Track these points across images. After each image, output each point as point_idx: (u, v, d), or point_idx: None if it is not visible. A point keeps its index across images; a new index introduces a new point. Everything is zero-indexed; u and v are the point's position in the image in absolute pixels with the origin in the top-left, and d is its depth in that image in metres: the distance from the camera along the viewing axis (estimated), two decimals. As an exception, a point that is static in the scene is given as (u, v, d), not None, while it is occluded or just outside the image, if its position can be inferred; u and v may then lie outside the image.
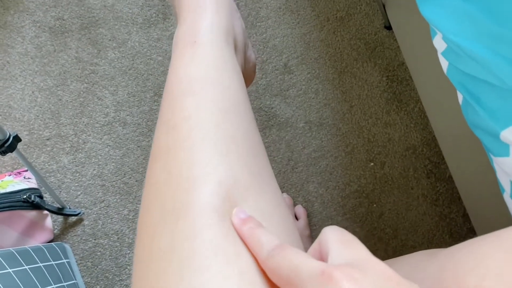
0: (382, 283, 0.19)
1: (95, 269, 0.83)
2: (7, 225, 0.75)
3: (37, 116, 0.89)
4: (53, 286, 0.70)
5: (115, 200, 0.86)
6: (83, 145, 0.88)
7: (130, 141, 0.88)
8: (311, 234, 0.83)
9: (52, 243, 0.79)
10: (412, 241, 0.84)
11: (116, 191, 0.86)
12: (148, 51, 0.92)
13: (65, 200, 0.85)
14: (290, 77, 0.91)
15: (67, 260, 0.78)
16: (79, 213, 0.84)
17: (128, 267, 0.83)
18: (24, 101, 0.89)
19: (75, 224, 0.85)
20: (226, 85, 0.31)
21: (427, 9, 0.37)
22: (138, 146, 0.88)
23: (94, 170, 0.87)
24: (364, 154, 0.87)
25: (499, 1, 0.29)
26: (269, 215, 0.27)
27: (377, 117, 0.88)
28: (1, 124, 0.79)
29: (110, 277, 0.83)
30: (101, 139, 0.88)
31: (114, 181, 0.86)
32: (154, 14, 0.94)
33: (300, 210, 0.84)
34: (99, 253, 0.83)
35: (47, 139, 0.88)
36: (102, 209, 0.85)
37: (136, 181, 0.87)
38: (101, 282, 0.82)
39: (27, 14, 0.94)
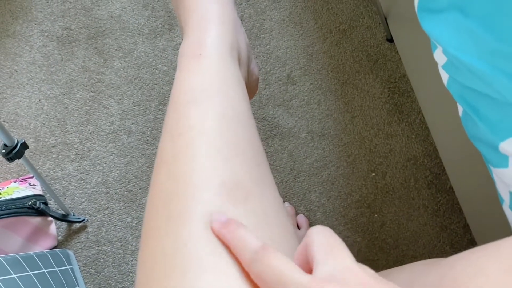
0: None
1: (98, 276, 0.83)
2: (12, 231, 0.75)
3: (43, 123, 0.90)
4: (57, 292, 0.70)
5: (119, 207, 0.86)
6: (88, 153, 0.89)
7: (134, 149, 0.89)
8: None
9: (56, 249, 0.79)
10: (413, 251, 0.84)
11: (120, 198, 0.87)
12: (154, 61, 0.94)
13: (70, 207, 0.86)
14: (293, 88, 0.92)
15: (71, 266, 0.79)
16: (83, 220, 0.84)
17: (131, 274, 0.84)
18: (31, 109, 0.91)
19: (79, 231, 0.85)
20: (230, 96, 0.32)
21: (428, 24, 0.38)
22: (143, 155, 0.89)
23: (98, 177, 0.88)
24: (365, 165, 0.88)
25: (499, 18, 0.30)
26: (268, 221, 0.28)
27: (378, 128, 0.89)
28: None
29: (113, 284, 0.83)
30: (106, 147, 0.89)
31: (118, 188, 0.87)
32: (160, 25, 0.96)
33: (302, 219, 0.85)
34: (102, 260, 0.84)
35: (53, 147, 0.89)
36: (106, 216, 0.86)
37: (140, 188, 0.87)
38: (104, 289, 0.83)
39: (35, 24, 0.96)
